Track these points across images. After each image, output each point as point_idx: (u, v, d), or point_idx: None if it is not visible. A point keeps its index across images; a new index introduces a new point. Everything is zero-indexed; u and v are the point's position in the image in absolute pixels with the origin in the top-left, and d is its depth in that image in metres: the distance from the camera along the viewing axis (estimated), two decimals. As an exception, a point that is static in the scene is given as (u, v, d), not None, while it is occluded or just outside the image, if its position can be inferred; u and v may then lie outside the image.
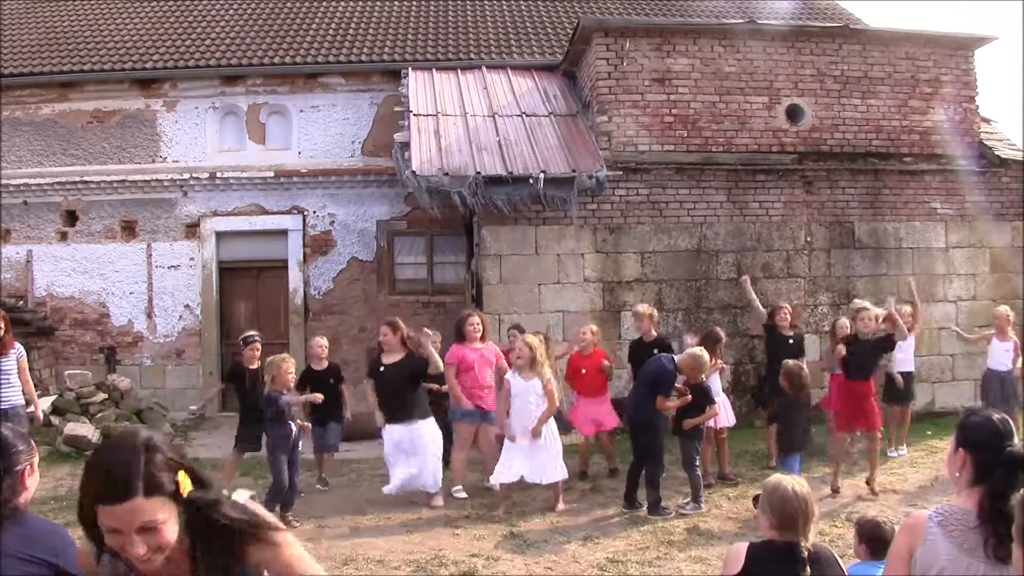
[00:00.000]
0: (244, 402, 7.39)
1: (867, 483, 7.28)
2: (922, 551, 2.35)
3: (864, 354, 7.34)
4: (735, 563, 2.69)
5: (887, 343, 7.41)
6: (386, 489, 7.12)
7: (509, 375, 7.05)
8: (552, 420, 6.91)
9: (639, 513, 6.82)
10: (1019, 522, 1.82)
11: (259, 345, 7.44)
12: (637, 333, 8.23)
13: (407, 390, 7.07)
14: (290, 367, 6.89)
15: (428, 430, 7.09)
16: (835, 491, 7.18)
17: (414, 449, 6.99)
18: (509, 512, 6.81)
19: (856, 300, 9.06)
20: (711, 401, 7.03)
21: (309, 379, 7.92)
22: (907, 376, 8.65)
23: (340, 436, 8.12)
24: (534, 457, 6.82)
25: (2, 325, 6.93)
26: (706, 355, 6.99)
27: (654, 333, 7.94)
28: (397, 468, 7.03)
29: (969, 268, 11.01)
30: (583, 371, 7.95)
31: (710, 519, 6.62)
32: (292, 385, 6.98)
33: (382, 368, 7.13)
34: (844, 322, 8.33)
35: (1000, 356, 8.42)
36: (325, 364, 8.00)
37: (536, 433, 6.74)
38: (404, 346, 7.14)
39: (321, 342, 8.18)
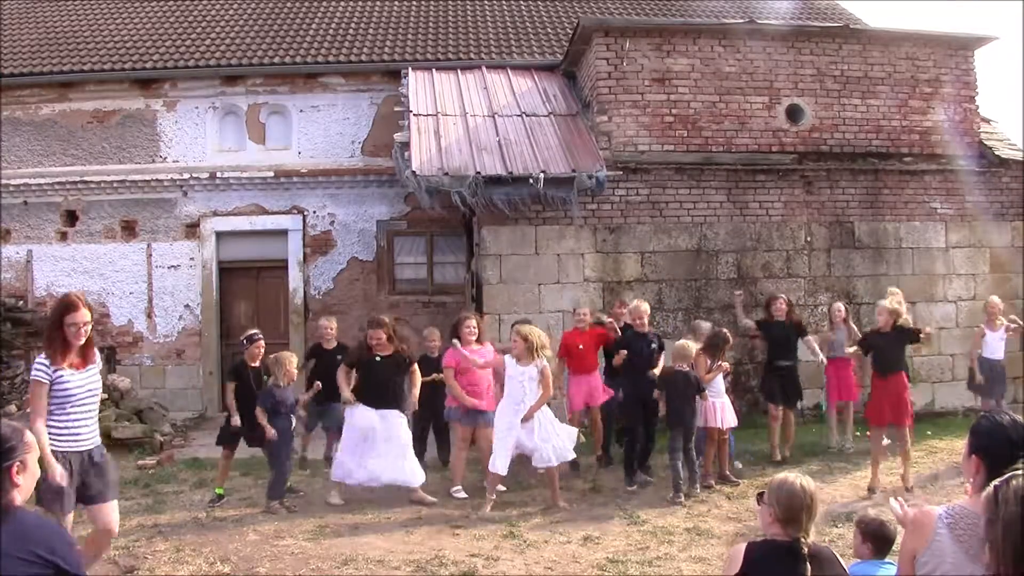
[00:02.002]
0: (241, 399, 7.39)
1: (901, 479, 7.29)
2: (928, 551, 2.34)
3: (887, 347, 7.36)
4: (734, 563, 2.68)
5: (910, 334, 7.49)
6: (334, 476, 7.10)
7: (506, 359, 7.08)
8: (546, 407, 6.96)
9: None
10: (985, 515, 1.82)
11: (262, 343, 7.46)
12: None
13: (398, 383, 7.21)
14: (293, 362, 7.08)
15: (402, 420, 7.17)
16: (871, 490, 7.17)
17: (387, 437, 7.00)
18: (496, 511, 6.81)
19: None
20: (692, 388, 7.34)
21: (316, 355, 8.19)
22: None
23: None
24: (530, 442, 6.84)
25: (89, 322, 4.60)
26: (693, 347, 7.46)
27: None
28: (353, 457, 6.99)
29: (969, 268, 11.02)
30: (579, 346, 8.17)
31: (710, 519, 6.62)
32: (295, 379, 7.15)
33: (378, 359, 7.15)
34: (839, 306, 8.93)
35: (994, 345, 8.75)
36: (335, 344, 8.20)
37: (527, 418, 6.79)
38: (391, 343, 7.24)
39: (329, 323, 8.40)
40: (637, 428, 7.61)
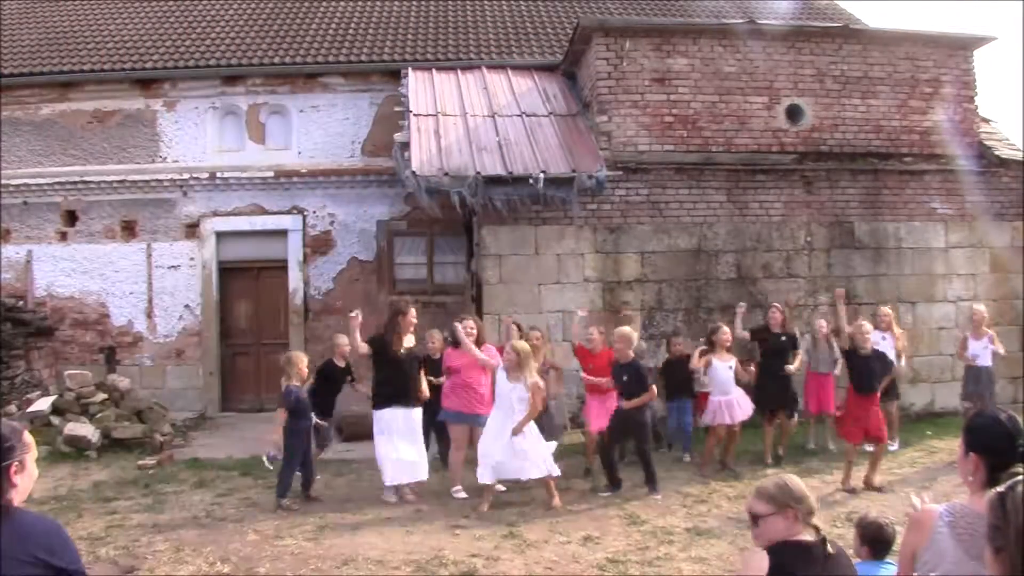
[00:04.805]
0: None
1: (864, 482, 7.41)
2: (928, 550, 2.34)
3: (865, 369, 7.46)
4: (754, 566, 2.53)
5: (887, 363, 7.74)
6: (386, 482, 7.23)
7: (498, 371, 7.14)
8: (532, 423, 6.98)
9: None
10: (990, 521, 1.82)
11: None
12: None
13: (417, 378, 7.43)
14: (304, 361, 7.30)
15: (419, 416, 7.42)
16: (845, 489, 7.34)
17: (411, 435, 7.24)
18: (496, 510, 6.85)
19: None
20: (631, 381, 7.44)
21: (327, 372, 8.26)
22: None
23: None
24: (515, 456, 6.87)
25: None
26: (632, 333, 7.73)
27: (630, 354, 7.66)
28: (391, 458, 7.16)
29: (969, 268, 11.01)
30: (590, 366, 8.07)
31: (710, 519, 6.62)
32: (306, 378, 7.39)
33: (402, 352, 7.31)
34: (821, 322, 9.03)
35: (979, 353, 8.78)
36: (343, 363, 8.27)
37: (516, 432, 6.82)
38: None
39: (346, 342, 8.33)
40: (612, 448, 7.62)
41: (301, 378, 7.23)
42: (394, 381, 7.24)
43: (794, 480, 2.66)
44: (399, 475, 7.18)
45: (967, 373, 8.91)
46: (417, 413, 7.39)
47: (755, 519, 2.59)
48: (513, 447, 6.84)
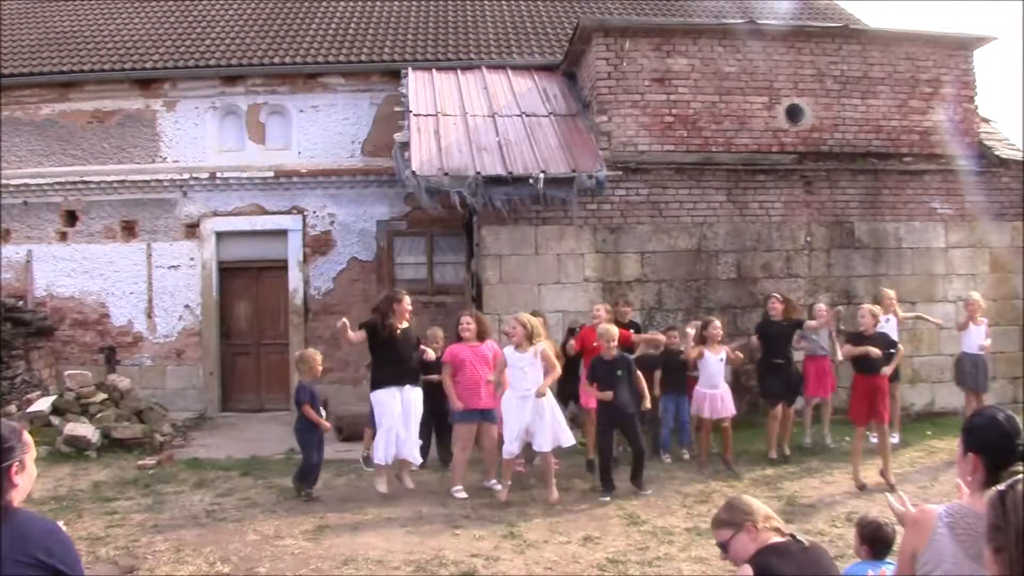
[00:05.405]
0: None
1: (881, 475, 7.49)
2: (928, 550, 2.34)
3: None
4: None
5: (891, 343, 7.84)
6: (377, 459, 7.31)
7: (505, 349, 7.24)
8: (549, 392, 7.11)
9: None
10: (990, 521, 1.82)
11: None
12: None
13: (415, 358, 7.47)
14: (318, 359, 7.55)
15: (419, 396, 7.43)
16: (858, 486, 7.37)
17: (408, 415, 7.26)
18: (496, 510, 6.87)
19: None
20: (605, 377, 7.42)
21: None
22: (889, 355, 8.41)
23: None
24: (537, 426, 6.98)
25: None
26: (609, 328, 7.53)
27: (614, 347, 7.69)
28: (383, 433, 7.23)
29: (969, 268, 11.02)
30: (595, 344, 8.01)
31: (710, 519, 6.60)
32: (319, 375, 7.62)
33: (399, 331, 7.31)
34: (821, 307, 9.09)
35: (974, 339, 8.94)
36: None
37: (540, 393, 6.92)
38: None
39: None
40: (609, 444, 7.56)
41: (314, 375, 7.45)
42: (390, 362, 7.26)
43: (739, 497, 2.87)
44: (390, 453, 7.18)
45: (964, 360, 9.03)
46: (416, 393, 7.36)
47: (724, 547, 2.79)
48: (539, 411, 6.93)
